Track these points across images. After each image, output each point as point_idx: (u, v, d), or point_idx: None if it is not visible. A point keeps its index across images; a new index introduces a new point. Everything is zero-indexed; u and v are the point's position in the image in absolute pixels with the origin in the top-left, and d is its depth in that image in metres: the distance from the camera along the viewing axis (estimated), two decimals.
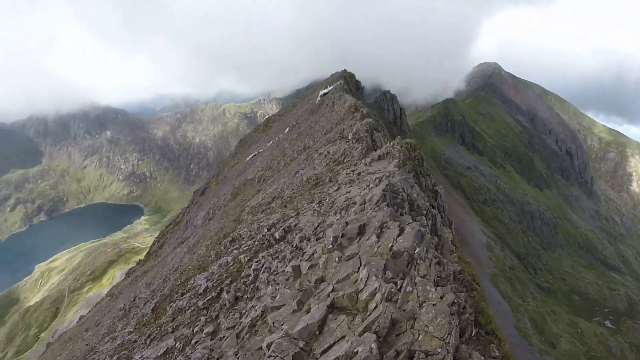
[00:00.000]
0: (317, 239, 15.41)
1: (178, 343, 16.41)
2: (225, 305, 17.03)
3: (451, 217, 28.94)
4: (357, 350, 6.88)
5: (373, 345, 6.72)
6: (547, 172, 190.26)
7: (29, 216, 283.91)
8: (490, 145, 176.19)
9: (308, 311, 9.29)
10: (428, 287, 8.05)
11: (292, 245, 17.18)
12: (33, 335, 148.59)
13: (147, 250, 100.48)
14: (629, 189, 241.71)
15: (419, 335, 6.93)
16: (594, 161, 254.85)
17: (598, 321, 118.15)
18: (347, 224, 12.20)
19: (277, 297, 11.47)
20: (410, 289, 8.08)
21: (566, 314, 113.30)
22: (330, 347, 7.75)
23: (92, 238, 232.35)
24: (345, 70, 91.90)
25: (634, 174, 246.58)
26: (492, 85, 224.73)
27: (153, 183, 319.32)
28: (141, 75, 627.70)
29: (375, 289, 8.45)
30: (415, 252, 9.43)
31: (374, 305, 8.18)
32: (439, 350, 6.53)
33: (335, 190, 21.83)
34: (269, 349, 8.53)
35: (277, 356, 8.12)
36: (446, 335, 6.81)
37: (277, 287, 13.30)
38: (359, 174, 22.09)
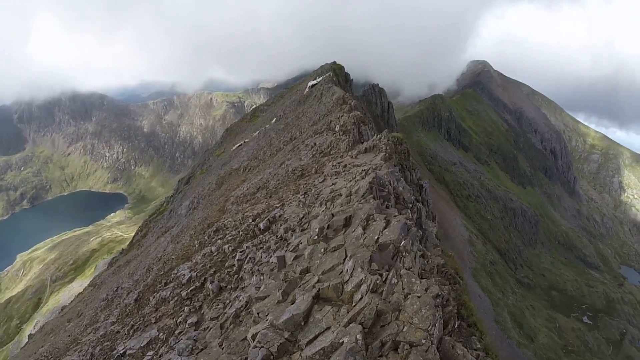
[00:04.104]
0: (302, 230, 15.43)
1: (161, 333, 16.34)
2: (209, 295, 16.99)
3: (435, 212, 29.08)
4: (343, 341, 6.90)
5: (358, 336, 6.75)
6: (530, 171, 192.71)
7: (11, 204, 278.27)
8: (476, 142, 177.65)
9: (293, 302, 9.30)
10: (413, 280, 8.09)
11: (277, 236, 17.17)
12: (15, 327, 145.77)
13: (130, 239, 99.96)
14: (610, 190, 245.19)
15: (403, 327, 6.96)
16: (578, 162, 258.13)
17: (576, 317, 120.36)
18: (332, 215, 12.20)
19: (262, 288, 11.45)
20: (396, 281, 8.11)
21: (545, 309, 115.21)
22: (316, 337, 7.75)
23: (75, 227, 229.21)
24: (335, 62, 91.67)
25: (615, 175, 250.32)
26: (480, 83, 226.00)
27: (137, 171, 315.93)
28: (126, 61, 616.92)
29: (361, 280, 8.47)
30: (401, 244, 9.46)
31: (359, 296, 8.20)
32: (423, 341, 6.57)
33: (320, 182, 21.82)
34: (254, 340, 8.52)
35: (262, 347, 8.11)
36: (430, 326, 6.85)
37: (262, 278, 13.29)
38: (345, 166, 22.09)
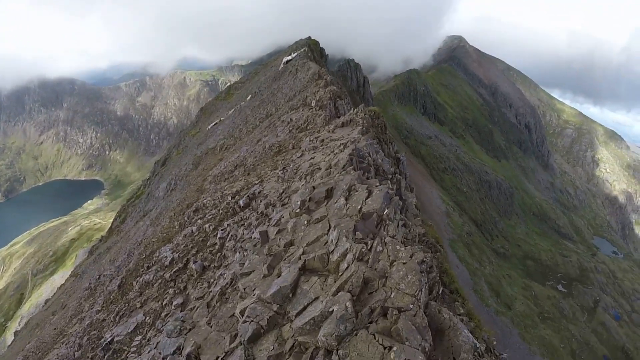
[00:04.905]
0: (282, 205, 15.41)
1: (148, 317, 16.30)
2: (192, 275, 16.97)
3: (412, 184, 29.35)
4: (333, 310, 6.93)
5: (348, 304, 6.78)
6: (505, 144, 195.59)
7: None
8: (452, 116, 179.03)
9: (279, 275, 9.30)
10: (398, 247, 8.14)
11: (258, 212, 17.13)
12: (0, 325, 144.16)
13: (109, 226, 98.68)
14: (583, 164, 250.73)
15: (391, 293, 7.02)
16: (552, 136, 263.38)
17: (551, 285, 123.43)
18: (314, 188, 12.19)
19: (246, 264, 11.41)
20: (381, 248, 8.16)
21: (521, 278, 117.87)
22: (305, 308, 7.78)
23: (52, 217, 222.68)
24: (309, 37, 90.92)
25: (589, 150, 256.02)
26: (455, 58, 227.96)
27: (112, 156, 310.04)
28: (95, 42, 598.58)
29: (346, 249, 8.50)
30: (384, 213, 9.51)
31: (345, 265, 8.23)
32: (411, 306, 6.63)
33: (298, 157, 21.79)
34: (242, 315, 8.52)
35: (252, 321, 8.11)
36: (417, 292, 6.92)
37: (245, 254, 13.25)
38: (323, 140, 22.07)
